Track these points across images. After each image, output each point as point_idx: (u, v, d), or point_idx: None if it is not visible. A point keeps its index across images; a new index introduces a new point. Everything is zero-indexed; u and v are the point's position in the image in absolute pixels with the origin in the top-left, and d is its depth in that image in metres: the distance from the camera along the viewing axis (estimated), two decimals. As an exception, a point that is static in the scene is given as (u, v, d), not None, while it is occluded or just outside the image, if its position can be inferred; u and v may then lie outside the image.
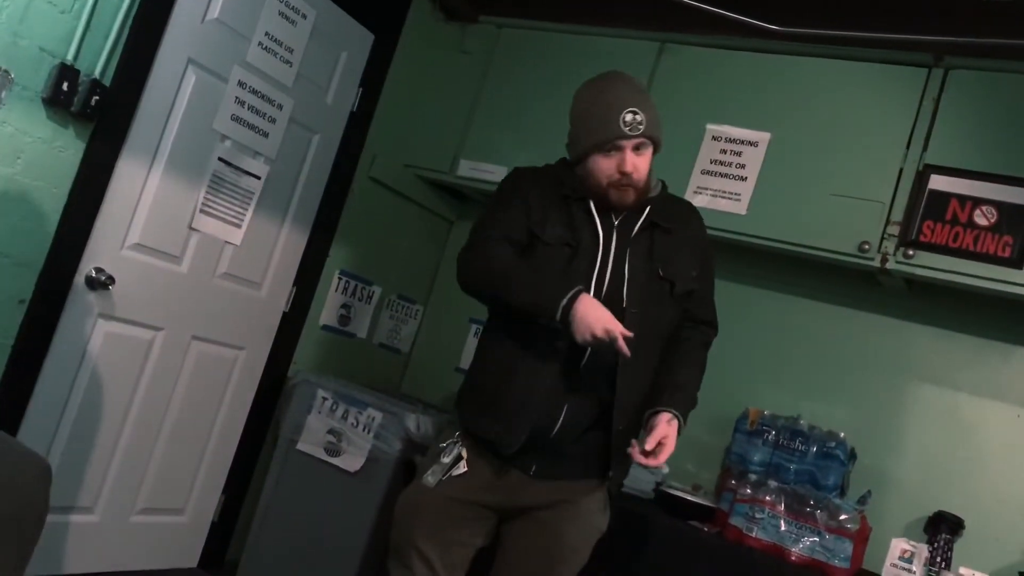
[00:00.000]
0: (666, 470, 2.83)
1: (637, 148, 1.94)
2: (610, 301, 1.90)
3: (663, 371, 2.02)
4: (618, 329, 1.78)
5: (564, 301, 1.81)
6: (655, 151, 2.00)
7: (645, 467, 1.93)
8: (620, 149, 1.92)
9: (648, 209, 2.01)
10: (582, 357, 1.92)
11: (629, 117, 1.91)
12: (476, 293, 2.00)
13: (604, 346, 1.81)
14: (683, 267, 2.02)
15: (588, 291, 1.90)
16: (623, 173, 1.93)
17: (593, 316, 1.79)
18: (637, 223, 1.99)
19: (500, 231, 1.96)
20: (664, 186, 2.09)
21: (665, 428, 1.89)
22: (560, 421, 1.92)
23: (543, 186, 2.03)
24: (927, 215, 2.56)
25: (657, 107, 1.98)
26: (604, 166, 1.94)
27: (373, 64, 3.22)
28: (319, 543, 2.83)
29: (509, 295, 1.90)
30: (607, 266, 1.96)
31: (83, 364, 2.52)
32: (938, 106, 2.63)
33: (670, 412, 1.92)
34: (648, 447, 1.86)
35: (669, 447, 1.89)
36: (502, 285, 1.91)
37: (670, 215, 2.04)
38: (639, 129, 1.91)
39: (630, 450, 1.87)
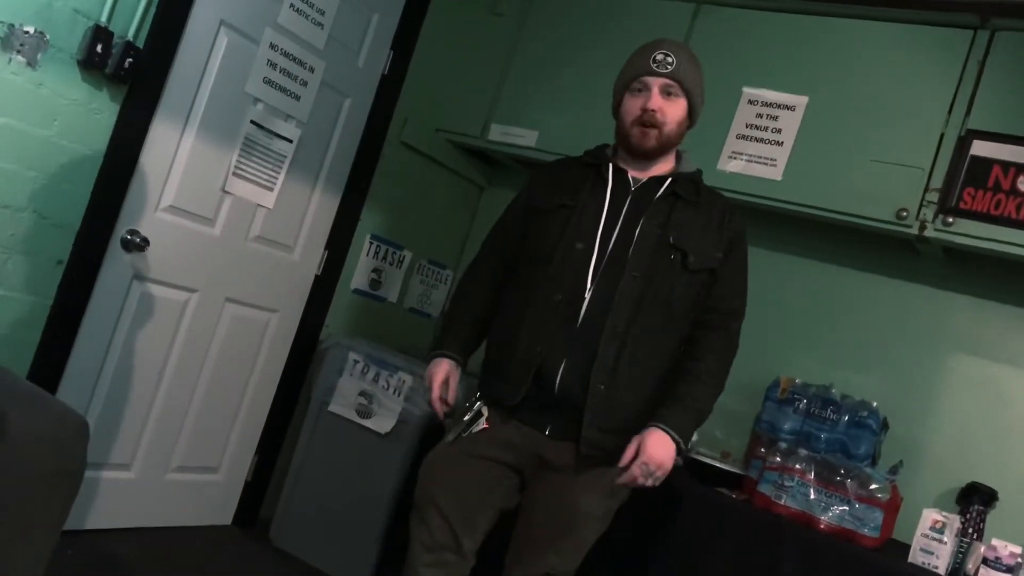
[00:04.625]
0: (697, 437, 2.82)
1: (667, 93, 1.93)
2: (613, 263, 1.90)
3: (671, 379, 1.96)
4: (431, 396, 2.05)
5: (431, 352, 2.12)
6: (690, 111, 1.98)
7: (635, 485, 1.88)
8: (647, 88, 1.93)
9: (670, 180, 1.98)
10: (579, 315, 1.92)
11: (660, 56, 1.93)
12: None
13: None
14: (702, 242, 1.96)
15: (592, 250, 1.93)
16: (645, 110, 1.93)
17: (427, 373, 2.08)
18: (659, 191, 1.97)
19: (490, 248, 2.16)
20: (700, 173, 2.06)
21: (636, 442, 1.85)
22: (559, 376, 1.91)
23: (557, 168, 2.11)
24: (968, 182, 2.50)
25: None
26: (630, 106, 1.96)
27: (405, 26, 3.19)
28: (349, 503, 2.88)
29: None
30: (614, 227, 1.95)
31: (119, 324, 2.56)
32: (983, 69, 2.55)
33: (653, 425, 1.86)
34: (621, 463, 1.85)
35: (643, 458, 1.83)
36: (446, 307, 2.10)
37: (698, 192, 2.01)
38: (667, 67, 1.91)
39: (619, 465, 1.85)
